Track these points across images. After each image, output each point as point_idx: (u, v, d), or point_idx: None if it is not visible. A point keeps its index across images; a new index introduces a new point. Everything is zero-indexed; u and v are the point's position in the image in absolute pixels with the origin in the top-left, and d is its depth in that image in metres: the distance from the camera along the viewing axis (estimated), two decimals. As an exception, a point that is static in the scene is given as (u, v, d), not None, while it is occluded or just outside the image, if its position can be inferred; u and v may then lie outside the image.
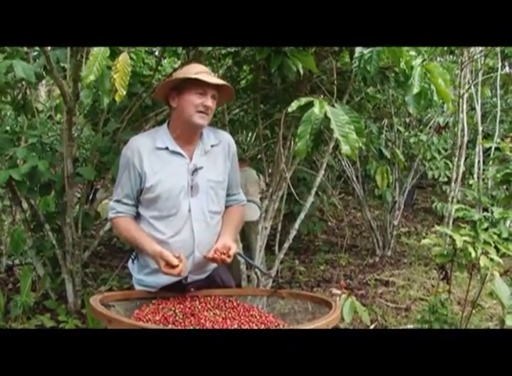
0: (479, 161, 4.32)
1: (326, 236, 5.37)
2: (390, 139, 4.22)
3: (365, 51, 1.72)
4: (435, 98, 1.92)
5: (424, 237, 5.26)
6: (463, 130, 3.36)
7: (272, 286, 2.89)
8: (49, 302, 3.19)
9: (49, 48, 2.32)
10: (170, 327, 1.50)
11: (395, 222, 4.62)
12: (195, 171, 1.68)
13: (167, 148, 1.67)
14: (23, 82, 3.35)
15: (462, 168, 3.57)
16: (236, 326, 1.50)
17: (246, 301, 1.75)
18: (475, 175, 4.29)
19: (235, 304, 1.67)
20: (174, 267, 1.56)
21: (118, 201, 1.72)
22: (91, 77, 1.68)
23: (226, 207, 1.83)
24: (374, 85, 2.64)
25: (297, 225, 2.83)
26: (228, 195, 1.83)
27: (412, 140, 4.31)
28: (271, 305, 1.79)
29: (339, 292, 2.38)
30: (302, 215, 2.80)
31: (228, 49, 2.92)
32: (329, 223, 5.72)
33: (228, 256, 1.64)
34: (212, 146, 1.74)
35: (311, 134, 1.75)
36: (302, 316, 1.72)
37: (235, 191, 1.86)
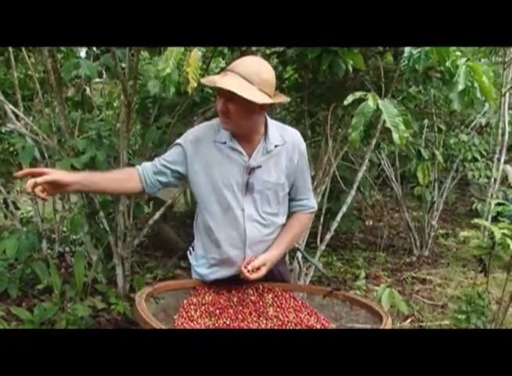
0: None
1: (363, 235, 5.42)
2: (430, 140, 4.26)
3: (414, 51, 1.82)
4: (478, 95, 2.01)
5: (464, 238, 5.28)
6: (503, 128, 3.39)
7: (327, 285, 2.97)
8: (100, 286, 3.40)
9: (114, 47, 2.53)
10: (217, 312, 1.54)
11: (433, 223, 4.65)
12: (252, 170, 1.64)
13: (225, 143, 1.66)
14: (80, 80, 3.63)
15: (501, 167, 3.59)
16: (286, 320, 1.52)
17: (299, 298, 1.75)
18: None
19: (287, 297, 1.68)
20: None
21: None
22: (168, 70, 1.85)
23: (292, 212, 1.80)
24: (417, 85, 2.73)
25: (338, 218, 2.93)
26: (293, 199, 1.79)
27: (452, 141, 4.34)
28: (310, 297, 1.79)
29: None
30: (344, 208, 2.89)
31: (274, 49, 3.05)
32: (367, 223, 5.78)
33: (249, 271, 1.61)
34: (276, 146, 1.68)
35: (364, 125, 1.87)
36: (340, 308, 1.72)
37: (302, 196, 1.80)
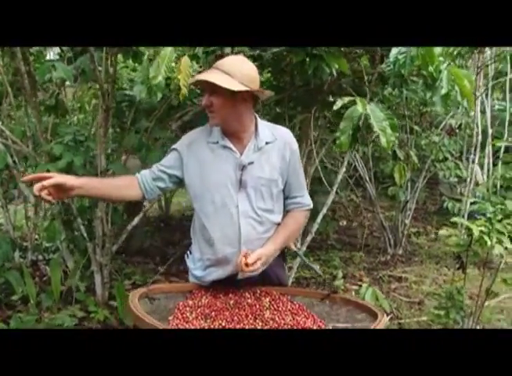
0: (488, 162, 4.50)
1: (337, 235, 5.50)
2: (403, 140, 4.36)
3: (400, 56, 1.87)
4: (459, 98, 2.08)
5: (436, 235, 5.41)
6: (477, 130, 3.51)
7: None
8: (79, 294, 3.33)
9: (93, 48, 2.49)
10: (212, 314, 1.53)
11: (407, 221, 4.76)
12: (245, 166, 1.67)
13: (217, 142, 1.70)
14: (53, 83, 3.55)
15: (476, 168, 3.71)
16: (282, 322, 1.51)
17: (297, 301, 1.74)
18: (484, 175, 4.46)
19: (285, 301, 1.68)
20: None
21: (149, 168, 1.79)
22: (160, 78, 1.85)
23: (287, 210, 1.82)
24: (393, 88, 2.80)
25: (319, 219, 2.97)
26: (288, 197, 1.81)
27: (423, 142, 4.46)
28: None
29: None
30: (325, 209, 2.93)
31: (250, 52, 3.06)
32: (341, 223, 5.86)
33: (246, 264, 1.59)
34: (267, 143, 1.72)
35: (353, 129, 1.91)
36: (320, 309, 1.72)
37: (296, 193, 1.82)
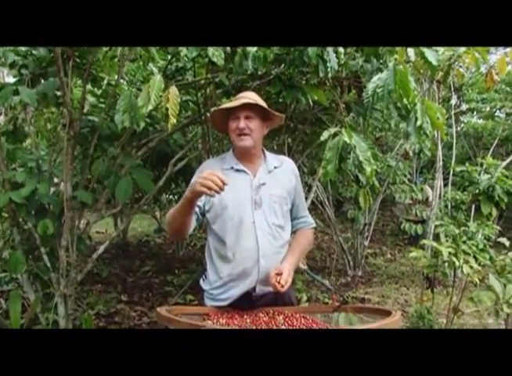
0: (440, 185, 4.74)
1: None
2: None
3: (379, 90, 1.98)
4: (430, 129, 2.22)
5: (392, 256, 5.57)
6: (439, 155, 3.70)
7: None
8: (40, 328, 3.18)
9: (62, 74, 2.44)
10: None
11: (366, 243, 4.90)
12: (258, 186, 1.84)
13: (232, 167, 1.86)
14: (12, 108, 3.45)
15: (437, 190, 3.90)
16: None
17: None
18: (436, 197, 4.70)
19: (298, 317, 1.71)
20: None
21: None
22: (150, 107, 1.85)
23: (296, 230, 1.96)
24: (358, 116, 2.92)
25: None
26: (296, 218, 1.97)
27: (380, 166, 4.64)
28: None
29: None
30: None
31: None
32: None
33: (282, 285, 1.69)
34: (275, 167, 1.91)
35: (337, 159, 1.99)
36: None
37: (303, 213, 1.99)
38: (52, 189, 3.05)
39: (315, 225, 2.04)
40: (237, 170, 1.87)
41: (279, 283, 1.69)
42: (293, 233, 1.97)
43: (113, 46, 2.52)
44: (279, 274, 1.72)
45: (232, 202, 1.81)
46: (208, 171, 1.66)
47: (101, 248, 3.25)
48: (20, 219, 3.00)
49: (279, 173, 1.91)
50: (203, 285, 1.93)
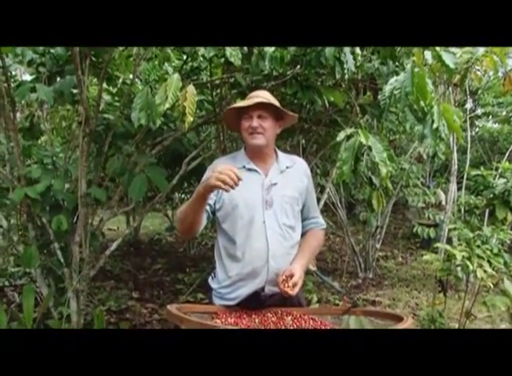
0: (454, 189, 4.71)
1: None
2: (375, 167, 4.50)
3: (396, 91, 1.98)
4: (446, 132, 2.20)
5: (403, 259, 5.54)
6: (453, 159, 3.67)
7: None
8: (52, 322, 3.21)
9: (80, 72, 2.47)
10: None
11: (377, 246, 4.87)
12: (270, 186, 1.82)
13: (244, 166, 1.85)
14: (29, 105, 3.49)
15: (451, 194, 3.87)
16: None
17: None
18: (450, 201, 4.66)
19: (306, 319, 1.70)
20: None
21: None
22: (167, 105, 1.86)
23: (306, 231, 1.95)
24: (373, 118, 2.91)
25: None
26: (307, 218, 1.96)
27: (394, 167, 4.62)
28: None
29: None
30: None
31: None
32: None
33: (291, 289, 1.68)
34: (287, 167, 1.90)
35: (353, 159, 1.99)
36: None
37: (314, 214, 1.98)
38: (67, 186, 3.09)
39: (325, 226, 2.04)
40: (249, 169, 1.86)
41: (288, 287, 1.68)
42: (304, 233, 1.95)
43: (132, 46, 2.53)
44: (289, 277, 1.71)
45: (242, 201, 1.80)
46: (223, 166, 1.67)
47: (113, 245, 3.28)
48: (35, 215, 3.04)
49: (291, 173, 1.91)
50: (212, 284, 1.93)
